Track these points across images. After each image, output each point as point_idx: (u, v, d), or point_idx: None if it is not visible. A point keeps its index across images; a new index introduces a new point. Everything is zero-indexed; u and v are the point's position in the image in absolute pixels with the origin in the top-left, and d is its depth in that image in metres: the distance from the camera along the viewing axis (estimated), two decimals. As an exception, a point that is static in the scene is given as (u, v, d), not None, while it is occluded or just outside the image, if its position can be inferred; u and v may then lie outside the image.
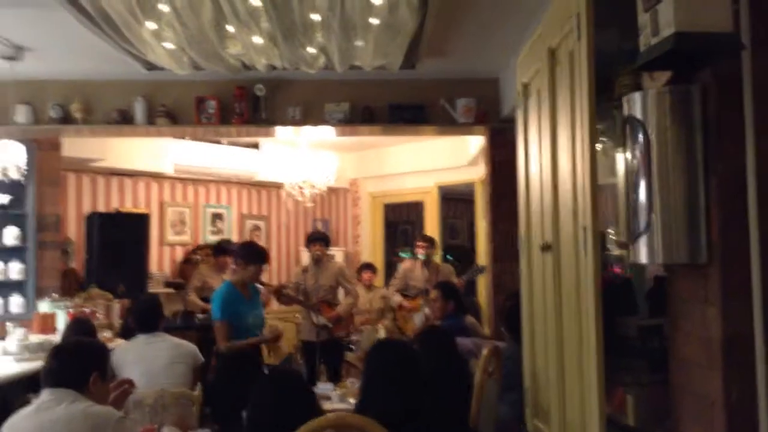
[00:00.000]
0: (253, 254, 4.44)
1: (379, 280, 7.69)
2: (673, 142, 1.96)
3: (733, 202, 1.91)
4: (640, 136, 1.99)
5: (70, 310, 4.92)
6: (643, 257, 2.02)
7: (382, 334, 5.97)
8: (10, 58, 4.33)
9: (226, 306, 4.24)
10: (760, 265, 1.87)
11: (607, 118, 2.82)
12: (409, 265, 6.40)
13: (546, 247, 2.61)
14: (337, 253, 8.58)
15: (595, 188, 2.14)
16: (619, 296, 2.58)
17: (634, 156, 2.04)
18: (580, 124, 2.22)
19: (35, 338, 4.64)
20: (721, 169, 1.93)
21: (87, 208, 6.94)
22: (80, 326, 3.94)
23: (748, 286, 1.88)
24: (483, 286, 6.72)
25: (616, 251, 2.73)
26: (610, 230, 2.79)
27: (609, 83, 2.65)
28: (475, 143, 6.39)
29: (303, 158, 7.23)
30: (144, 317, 3.87)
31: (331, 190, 8.65)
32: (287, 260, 8.88)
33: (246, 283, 4.43)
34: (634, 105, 2.04)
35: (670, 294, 2.18)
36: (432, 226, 8.15)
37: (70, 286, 6.29)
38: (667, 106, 1.98)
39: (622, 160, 2.30)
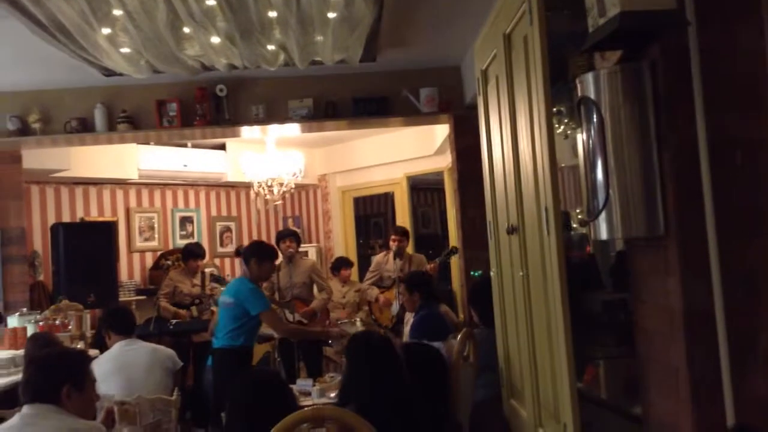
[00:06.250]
0: (265, 252, 4.52)
1: (353, 274, 7.69)
2: (626, 119, 2.01)
3: (686, 174, 1.96)
4: (595, 116, 2.03)
5: (41, 324, 4.83)
6: (603, 233, 2.06)
7: (359, 327, 5.99)
8: (-38, 73, 4.24)
9: (263, 296, 4.38)
10: (716, 233, 1.92)
11: (567, 100, 2.86)
12: (381, 258, 6.42)
13: (512, 230, 2.65)
14: (309, 250, 8.56)
15: (555, 169, 2.18)
16: (584, 273, 2.63)
17: (589, 136, 2.08)
18: (537, 107, 2.26)
19: (5, 353, 4.55)
20: (673, 142, 1.98)
21: (52, 220, 6.81)
22: (39, 342, 3.84)
23: (706, 255, 1.93)
24: (456, 274, 6.77)
25: (580, 230, 2.79)
26: (577, 210, 2.85)
27: (565, 65, 2.70)
28: (441, 132, 6.41)
29: (270, 156, 7.19)
30: (120, 322, 3.86)
31: (300, 187, 8.62)
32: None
33: (261, 281, 4.53)
34: (587, 85, 2.07)
35: (631, 268, 2.23)
36: (403, 217, 8.17)
37: (39, 299, 6.20)
38: (618, 84, 2.02)
39: (580, 140, 2.34)
